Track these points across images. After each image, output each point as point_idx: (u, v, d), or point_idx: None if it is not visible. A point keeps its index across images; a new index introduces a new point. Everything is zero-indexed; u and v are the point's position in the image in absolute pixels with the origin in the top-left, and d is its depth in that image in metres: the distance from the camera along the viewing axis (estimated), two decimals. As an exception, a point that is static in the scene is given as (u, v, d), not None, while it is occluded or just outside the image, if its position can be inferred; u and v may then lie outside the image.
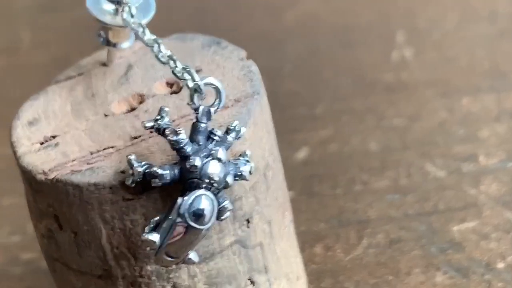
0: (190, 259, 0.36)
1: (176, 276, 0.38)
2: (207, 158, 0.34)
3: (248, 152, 0.36)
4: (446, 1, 0.69)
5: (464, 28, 0.66)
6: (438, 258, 0.50)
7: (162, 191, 0.35)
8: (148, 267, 0.38)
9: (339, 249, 0.52)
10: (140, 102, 0.39)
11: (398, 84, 0.63)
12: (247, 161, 0.35)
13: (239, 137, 0.35)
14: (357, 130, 0.60)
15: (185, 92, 0.38)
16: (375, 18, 0.70)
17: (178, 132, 0.34)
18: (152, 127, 0.35)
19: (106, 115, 0.38)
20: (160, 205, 0.36)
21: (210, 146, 0.34)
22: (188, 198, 0.34)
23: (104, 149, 0.37)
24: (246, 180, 0.35)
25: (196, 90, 0.35)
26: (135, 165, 0.34)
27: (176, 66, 0.36)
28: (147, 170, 0.34)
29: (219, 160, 0.34)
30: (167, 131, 0.34)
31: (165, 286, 0.39)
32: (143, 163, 0.34)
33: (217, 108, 0.35)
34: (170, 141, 0.34)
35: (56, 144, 0.37)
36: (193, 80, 0.35)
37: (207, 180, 0.34)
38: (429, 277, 0.49)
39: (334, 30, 0.70)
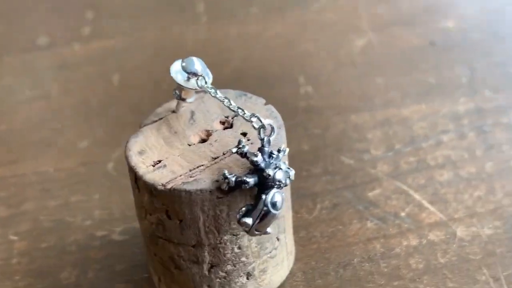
0: (268, 232, 0.45)
1: (241, 240, 0.47)
2: (275, 169, 0.43)
3: (285, 148, 0.44)
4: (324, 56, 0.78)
5: (339, 71, 0.76)
6: (365, 212, 0.59)
7: (240, 191, 0.44)
8: (225, 237, 0.46)
9: (304, 212, 0.61)
10: (208, 135, 0.47)
11: (310, 108, 0.73)
12: (289, 168, 0.44)
13: (284, 154, 0.45)
14: (293, 138, 0.67)
15: (237, 127, 0.47)
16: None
17: (256, 154, 0.42)
18: (236, 152, 0.43)
19: (189, 145, 0.46)
20: (238, 199, 0.44)
21: (273, 161, 0.43)
22: (269, 195, 0.43)
23: (197, 167, 0.45)
24: (292, 180, 0.45)
25: (262, 127, 0.43)
26: (229, 176, 0.42)
27: (245, 113, 0.44)
28: (238, 179, 0.42)
29: (281, 169, 0.43)
30: (248, 154, 0.43)
31: (234, 247, 0.47)
32: (232, 174, 0.42)
33: (272, 138, 0.44)
34: (251, 160, 0.43)
35: (164, 166, 0.45)
36: (260, 121, 0.44)
37: (277, 183, 0.43)
38: (363, 225, 0.58)
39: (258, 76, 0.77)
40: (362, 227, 0.58)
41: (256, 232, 0.44)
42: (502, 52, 0.74)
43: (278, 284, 0.52)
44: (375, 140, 0.68)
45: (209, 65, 0.48)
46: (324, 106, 0.71)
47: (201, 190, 0.44)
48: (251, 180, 0.43)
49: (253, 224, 0.44)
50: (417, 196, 0.60)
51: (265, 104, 0.49)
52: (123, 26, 0.84)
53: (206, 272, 0.48)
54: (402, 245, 0.56)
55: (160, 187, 0.44)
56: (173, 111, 0.50)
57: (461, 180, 0.61)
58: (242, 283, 0.49)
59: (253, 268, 0.49)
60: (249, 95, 0.50)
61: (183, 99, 0.49)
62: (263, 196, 0.43)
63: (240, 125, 0.48)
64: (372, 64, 0.75)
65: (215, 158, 0.46)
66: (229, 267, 0.48)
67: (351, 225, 0.59)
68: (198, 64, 0.48)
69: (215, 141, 0.47)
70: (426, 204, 0.60)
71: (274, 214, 0.43)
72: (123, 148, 0.49)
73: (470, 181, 0.61)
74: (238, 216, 0.44)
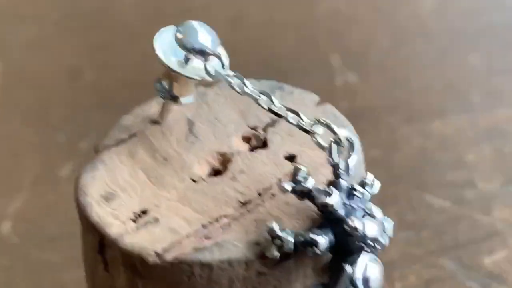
0: None
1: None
2: (363, 217, 0.33)
3: (373, 180, 0.34)
4: (373, 22, 0.68)
5: (401, 49, 0.66)
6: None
7: (296, 260, 0.34)
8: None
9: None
10: (224, 162, 0.37)
11: (355, 112, 0.61)
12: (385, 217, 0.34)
13: (375, 192, 0.34)
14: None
15: (274, 148, 0.37)
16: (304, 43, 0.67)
17: (329, 192, 0.32)
18: (294, 190, 0.33)
19: (194, 181, 0.36)
20: (294, 275, 0.34)
21: (356, 203, 0.33)
22: (358, 265, 0.33)
23: (217, 219, 0.34)
24: (391, 236, 0.34)
25: (337, 143, 0.33)
26: (282, 234, 0.32)
27: (301, 119, 0.34)
28: (299, 238, 0.32)
29: (374, 217, 0.33)
30: (314, 192, 0.33)
31: None
32: (287, 230, 0.32)
33: (353, 162, 0.34)
34: (321, 203, 0.32)
35: (156, 220, 0.34)
36: (334, 133, 0.33)
37: (370, 243, 0.33)
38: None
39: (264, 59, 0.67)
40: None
41: None
42: None
43: None
44: (481, 164, 0.55)
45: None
46: (382, 107, 0.60)
47: (229, 262, 0.33)
48: (323, 240, 0.33)
49: None
50: None
51: (318, 103, 0.39)
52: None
53: None
54: None
55: (152, 259, 0.34)
56: (155, 121, 0.39)
57: None
58: None
59: None
60: (288, 88, 0.40)
61: (175, 99, 0.38)
62: (347, 268, 0.33)
63: (280, 142, 0.38)
64: (455, 32, 0.65)
65: (246, 203, 0.35)
66: None
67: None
68: (205, 34, 0.36)
69: (240, 171, 0.36)
70: None
71: None
72: (29, 193, 0.50)
73: None
74: None
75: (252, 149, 0.37)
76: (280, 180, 0.34)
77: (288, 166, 0.35)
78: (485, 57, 0.62)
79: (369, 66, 0.64)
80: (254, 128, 0.39)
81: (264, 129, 0.38)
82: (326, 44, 0.66)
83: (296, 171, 0.33)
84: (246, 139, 0.38)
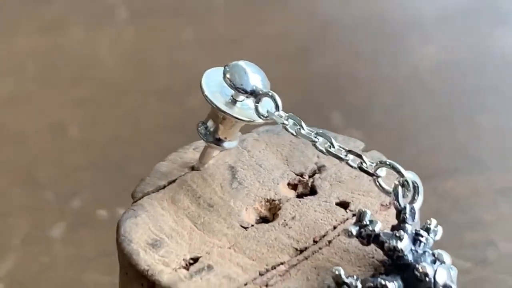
0: None
1: None
2: (433, 263, 0.32)
3: (437, 226, 0.33)
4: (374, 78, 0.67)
5: (404, 107, 0.64)
6: None
7: None
8: None
9: None
10: (271, 209, 0.36)
11: None
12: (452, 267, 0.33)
13: (437, 239, 0.33)
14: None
15: (324, 194, 0.35)
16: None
17: (401, 237, 0.31)
18: (360, 235, 0.31)
19: (244, 227, 0.34)
20: None
21: (422, 248, 0.32)
22: None
23: (273, 267, 0.33)
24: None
25: (403, 185, 0.32)
26: (349, 280, 0.31)
27: (364, 161, 0.32)
28: (369, 285, 0.31)
29: (443, 263, 0.32)
30: (383, 237, 0.31)
31: None
32: (355, 276, 0.31)
33: (418, 206, 0.33)
34: (389, 248, 0.31)
35: (210, 267, 0.32)
36: (401, 175, 0.32)
37: None
38: None
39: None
40: None
41: None
42: None
43: None
44: (500, 224, 0.55)
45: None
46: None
47: (293, 311, 0.32)
48: (393, 286, 0.32)
49: None
50: None
51: (364, 149, 0.38)
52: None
53: None
54: None
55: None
56: (193, 167, 0.37)
57: None
58: None
59: None
60: (332, 133, 0.38)
61: (219, 142, 0.36)
62: None
63: (330, 189, 0.37)
64: (459, 91, 0.64)
65: (302, 250, 0.34)
66: None
67: None
68: (254, 74, 0.35)
69: (292, 218, 0.35)
70: None
71: None
72: (20, 254, 0.48)
73: None
74: None
75: (300, 195, 0.36)
76: (337, 227, 0.33)
77: (341, 213, 0.34)
78: (493, 116, 0.61)
79: (373, 124, 0.63)
80: (300, 175, 0.37)
81: (311, 176, 0.37)
82: (327, 101, 0.65)
83: (362, 214, 0.31)
84: (293, 186, 0.37)
